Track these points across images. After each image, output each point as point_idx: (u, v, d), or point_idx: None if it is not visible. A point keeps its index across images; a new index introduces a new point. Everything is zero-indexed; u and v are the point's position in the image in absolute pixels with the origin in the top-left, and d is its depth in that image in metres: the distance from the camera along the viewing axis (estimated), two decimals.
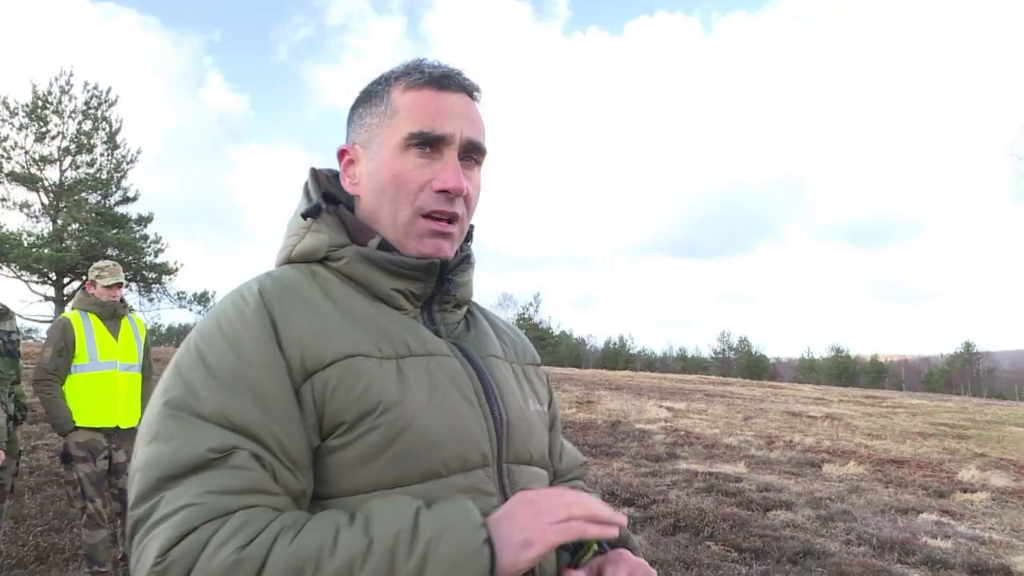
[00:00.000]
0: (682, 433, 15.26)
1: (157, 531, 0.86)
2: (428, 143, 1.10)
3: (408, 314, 1.14)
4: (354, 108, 1.20)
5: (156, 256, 35.18)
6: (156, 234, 35.45)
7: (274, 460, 0.94)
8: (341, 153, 1.18)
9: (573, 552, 1.11)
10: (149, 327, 5.32)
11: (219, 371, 0.97)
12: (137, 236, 34.54)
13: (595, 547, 1.12)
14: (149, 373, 5.30)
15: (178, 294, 36.45)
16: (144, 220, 35.27)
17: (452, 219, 1.13)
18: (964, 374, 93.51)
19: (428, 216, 1.12)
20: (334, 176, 1.24)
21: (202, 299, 36.93)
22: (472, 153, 1.15)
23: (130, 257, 32.92)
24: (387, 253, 1.12)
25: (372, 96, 1.17)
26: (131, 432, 4.95)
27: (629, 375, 39.18)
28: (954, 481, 11.74)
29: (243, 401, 0.95)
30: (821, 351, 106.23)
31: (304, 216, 1.15)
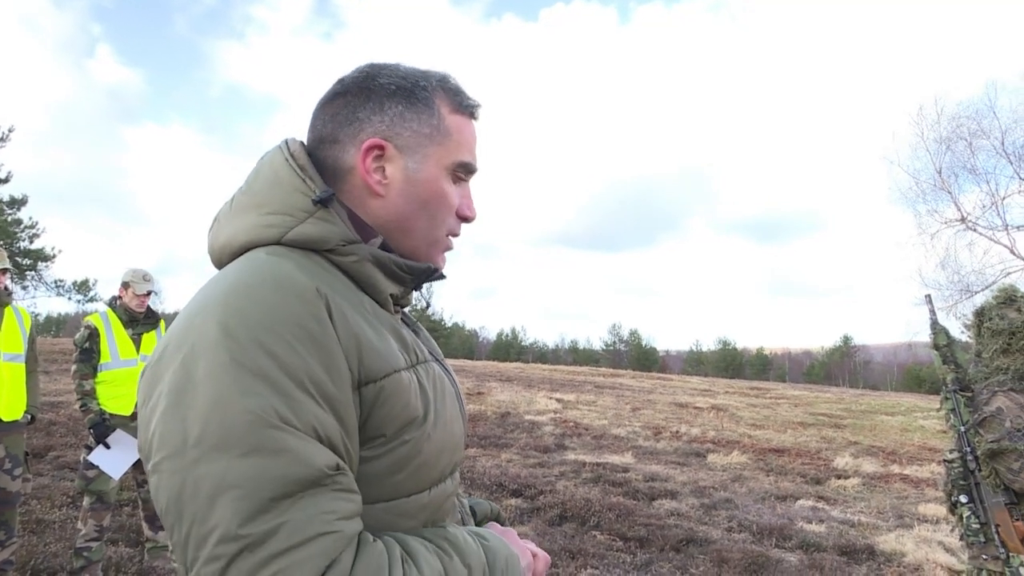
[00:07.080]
0: (571, 424, 15.43)
1: (294, 559, 0.81)
2: (467, 174, 1.16)
3: (396, 317, 1.14)
4: (387, 98, 1.10)
5: (31, 242, 33.39)
6: (31, 218, 33.62)
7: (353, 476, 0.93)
8: (375, 146, 1.08)
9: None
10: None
11: (297, 375, 0.87)
12: (9, 220, 32.65)
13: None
14: (35, 365, 4.98)
15: (56, 282, 34.66)
16: (17, 203, 33.31)
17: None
18: (842, 366, 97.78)
19: (448, 235, 1.17)
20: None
21: (82, 287, 35.25)
22: None
23: (1, 242, 31.10)
24: (398, 257, 1.10)
25: (416, 100, 1.11)
26: (12, 425, 4.68)
27: (520, 367, 39.37)
28: (829, 468, 12.27)
29: (324, 412, 0.88)
30: (710, 344, 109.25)
31: (316, 203, 1.04)
